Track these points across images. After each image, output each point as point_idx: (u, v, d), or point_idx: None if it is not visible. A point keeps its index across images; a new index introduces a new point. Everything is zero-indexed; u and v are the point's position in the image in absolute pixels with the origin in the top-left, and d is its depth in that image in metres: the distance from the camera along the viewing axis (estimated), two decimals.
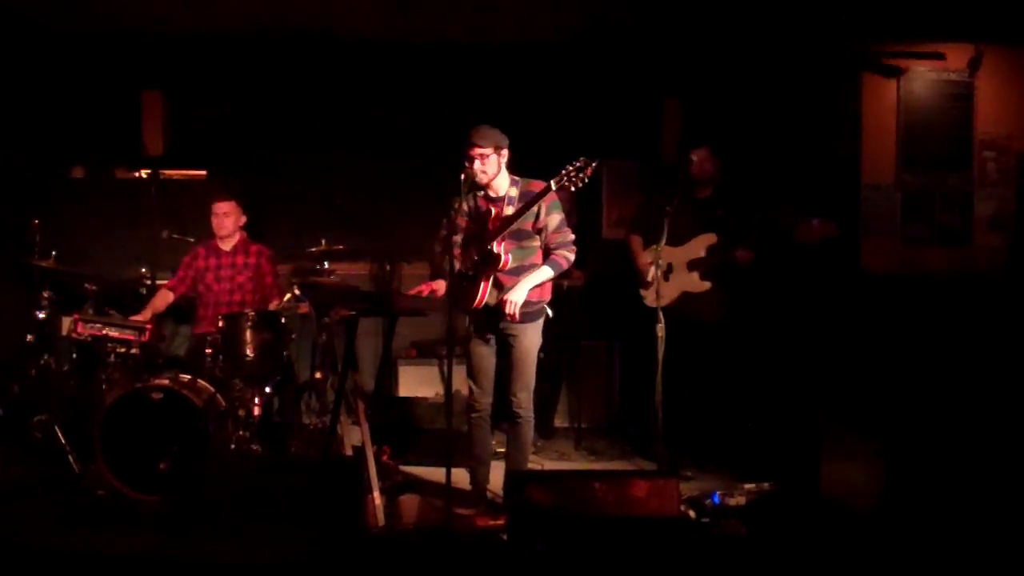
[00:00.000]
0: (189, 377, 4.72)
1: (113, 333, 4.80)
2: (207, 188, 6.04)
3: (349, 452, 4.71)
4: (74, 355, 5.13)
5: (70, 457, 4.63)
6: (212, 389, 4.74)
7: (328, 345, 5.51)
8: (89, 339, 4.78)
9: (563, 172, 4.03)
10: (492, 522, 4.09)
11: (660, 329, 4.60)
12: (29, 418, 4.98)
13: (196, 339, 5.27)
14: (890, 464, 3.89)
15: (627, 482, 3.70)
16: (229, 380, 4.85)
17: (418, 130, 6.63)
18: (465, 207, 4.35)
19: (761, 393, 5.62)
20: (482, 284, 4.17)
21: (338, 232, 5.70)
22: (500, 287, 4.19)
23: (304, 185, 6.52)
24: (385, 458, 4.91)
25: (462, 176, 4.14)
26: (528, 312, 4.19)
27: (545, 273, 4.21)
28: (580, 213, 5.68)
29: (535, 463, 5.00)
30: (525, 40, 6.29)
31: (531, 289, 4.17)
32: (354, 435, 4.67)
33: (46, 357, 5.20)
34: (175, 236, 5.73)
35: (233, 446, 4.66)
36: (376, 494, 4.13)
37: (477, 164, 4.16)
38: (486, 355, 4.35)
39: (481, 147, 4.15)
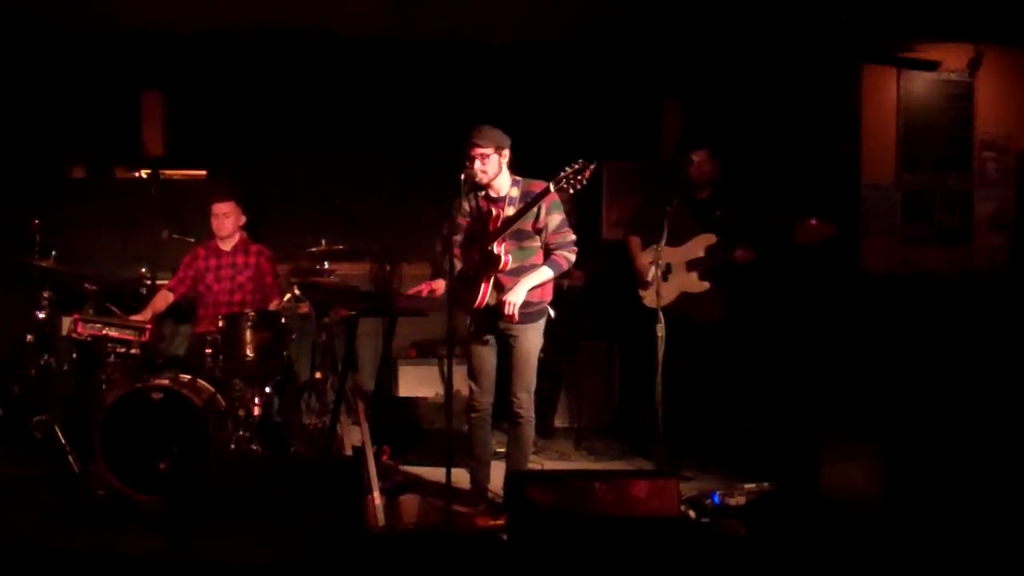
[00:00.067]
0: (189, 377, 4.72)
1: (113, 333, 4.81)
2: (207, 188, 6.05)
3: (349, 452, 4.71)
4: (74, 355, 5.14)
5: (70, 457, 4.63)
6: (212, 389, 4.74)
7: (328, 345, 5.51)
8: (89, 339, 4.79)
9: (561, 174, 4.02)
10: (492, 522, 4.09)
11: (660, 329, 4.60)
12: (29, 418, 4.98)
13: (196, 339, 5.26)
14: (890, 464, 3.89)
15: (627, 482, 3.70)
16: (229, 380, 4.86)
17: (418, 130, 6.63)
18: (467, 207, 4.35)
19: (761, 393, 5.62)
20: (483, 285, 4.17)
21: (338, 232, 5.70)
22: (500, 288, 4.19)
23: (304, 185, 6.53)
24: (385, 458, 4.91)
25: (462, 176, 4.14)
26: (528, 313, 4.19)
27: (545, 274, 4.21)
28: (580, 213, 5.68)
29: (535, 463, 5.00)
30: (525, 40, 6.29)
31: (531, 290, 4.17)
32: (354, 435, 4.67)
33: (46, 357, 5.21)
34: (175, 236, 5.74)
35: (233, 446, 4.66)
36: (376, 494, 4.13)
37: (477, 164, 4.16)
38: (486, 355, 4.35)
39: (481, 147, 4.15)
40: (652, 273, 4.86)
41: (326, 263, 5.56)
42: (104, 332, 4.79)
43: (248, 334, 4.80)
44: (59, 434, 4.69)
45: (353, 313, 4.37)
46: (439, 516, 4.05)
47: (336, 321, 5.26)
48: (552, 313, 4.36)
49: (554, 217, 4.22)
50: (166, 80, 6.67)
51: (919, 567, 3.63)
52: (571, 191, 4.05)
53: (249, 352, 4.79)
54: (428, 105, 6.65)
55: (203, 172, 6.46)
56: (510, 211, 4.19)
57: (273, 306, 5.20)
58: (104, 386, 4.79)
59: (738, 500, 4.32)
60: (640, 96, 6.78)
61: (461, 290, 4.21)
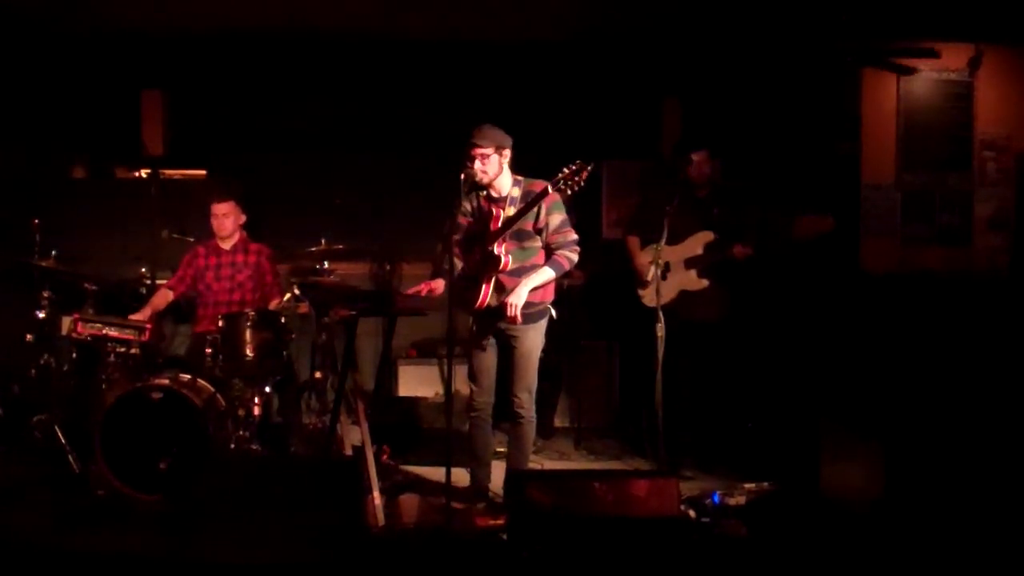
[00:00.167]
0: (189, 377, 4.72)
1: (113, 333, 4.81)
2: (207, 188, 6.04)
3: (349, 452, 4.71)
4: (74, 355, 5.13)
5: (70, 457, 4.63)
6: (212, 389, 4.74)
7: (328, 345, 5.51)
8: (89, 339, 4.79)
9: (560, 175, 4.02)
10: (492, 522, 4.08)
11: (660, 329, 4.59)
12: (29, 418, 4.97)
13: (196, 338, 5.27)
14: (890, 464, 3.89)
15: (627, 482, 3.70)
16: (229, 380, 4.86)
17: (418, 130, 6.63)
18: (468, 207, 4.35)
19: (761, 393, 5.62)
20: (483, 285, 4.17)
21: (338, 232, 5.70)
22: (501, 288, 4.19)
23: (304, 185, 6.53)
24: (385, 458, 4.92)
25: (462, 176, 4.13)
26: (529, 313, 4.18)
27: (546, 274, 4.20)
28: (580, 213, 5.68)
29: (535, 463, 5.00)
30: (525, 40, 6.29)
31: (533, 290, 4.16)
32: (354, 435, 4.68)
33: (46, 357, 5.20)
34: (175, 236, 5.73)
35: (233, 446, 4.66)
36: (376, 494, 4.13)
37: (478, 164, 4.15)
38: (487, 355, 4.35)
39: (481, 147, 4.15)
40: (651, 273, 4.86)
41: (326, 263, 5.56)
42: (104, 332, 4.79)
43: (248, 334, 4.80)
44: (59, 434, 4.69)
45: (353, 313, 4.37)
46: (439, 516, 4.04)
47: (336, 321, 5.26)
48: (554, 313, 4.35)
49: (555, 217, 4.21)
50: (166, 80, 6.67)
51: (919, 567, 3.63)
52: (569, 192, 4.04)
53: (249, 352, 4.79)
54: (428, 105, 6.65)
55: (203, 172, 6.46)
56: (511, 211, 4.18)
57: (273, 305, 5.20)
58: (104, 386, 4.79)
59: (738, 500, 4.32)
60: (640, 96, 6.78)
61: (462, 290, 4.21)
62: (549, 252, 4.26)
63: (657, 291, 4.72)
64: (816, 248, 5.02)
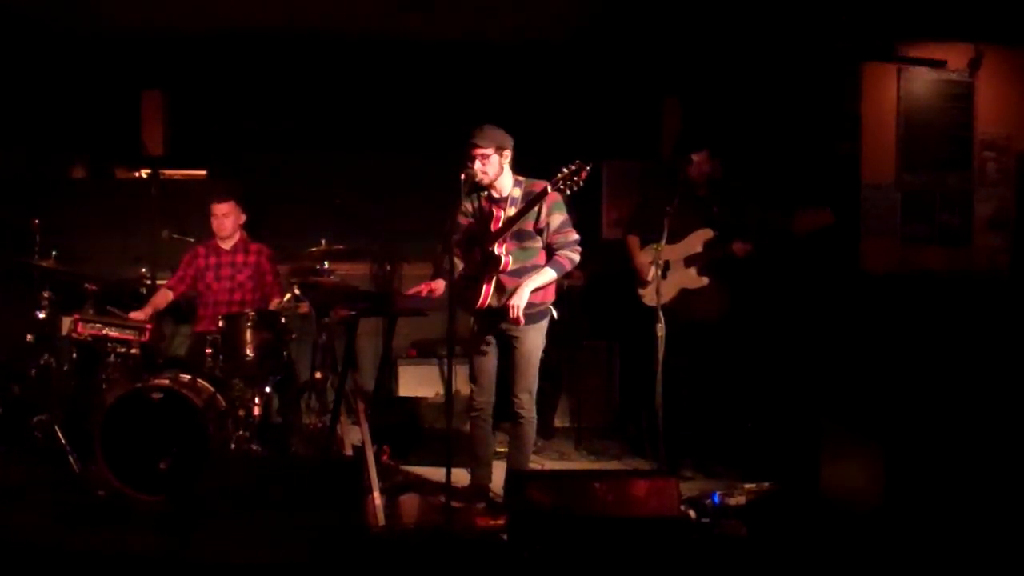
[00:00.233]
0: (189, 377, 4.72)
1: (113, 333, 4.81)
2: (207, 188, 6.05)
3: (349, 452, 4.71)
4: (74, 355, 5.13)
5: (70, 457, 4.63)
6: (212, 389, 4.74)
7: (328, 345, 5.51)
8: (89, 339, 4.79)
9: (559, 175, 4.01)
10: (492, 522, 4.08)
11: (660, 329, 4.59)
12: (29, 418, 4.97)
13: (196, 338, 5.27)
14: (890, 464, 3.89)
15: (627, 482, 3.70)
16: (229, 380, 4.86)
17: (418, 130, 6.63)
18: (469, 207, 4.35)
19: (761, 393, 5.62)
20: (484, 286, 4.16)
21: (338, 232, 5.70)
22: (502, 288, 4.19)
23: (304, 185, 6.53)
24: (385, 458, 4.92)
25: (462, 176, 4.13)
26: (530, 314, 4.18)
27: (548, 275, 4.20)
28: (580, 213, 5.68)
29: (535, 463, 5.00)
30: (525, 40, 6.29)
31: (533, 291, 4.16)
32: (354, 435, 4.67)
33: (46, 357, 5.20)
34: (175, 236, 5.74)
35: (233, 446, 4.66)
36: (376, 494, 4.13)
37: (478, 164, 4.15)
38: (488, 355, 4.35)
39: (482, 147, 4.14)
40: (652, 272, 4.86)
41: (326, 263, 5.56)
42: (104, 332, 4.79)
43: (248, 334, 4.80)
44: (59, 434, 4.69)
45: (353, 313, 4.37)
46: (439, 516, 4.04)
47: (336, 321, 5.26)
48: (555, 314, 4.35)
49: (555, 217, 4.21)
50: (166, 80, 6.67)
51: (919, 567, 3.63)
52: (568, 192, 4.04)
53: (249, 352, 4.79)
54: (428, 105, 6.66)
55: (203, 172, 6.46)
56: (512, 212, 4.18)
57: (273, 305, 5.20)
58: (104, 386, 4.80)
59: (738, 500, 4.32)
60: (640, 96, 6.78)
61: (463, 290, 4.21)
62: (550, 252, 4.25)
63: (657, 291, 4.72)
64: (816, 245, 5.02)
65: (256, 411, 4.83)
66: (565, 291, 5.38)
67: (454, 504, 3.93)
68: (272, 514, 3.73)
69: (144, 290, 5.66)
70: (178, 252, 5.56)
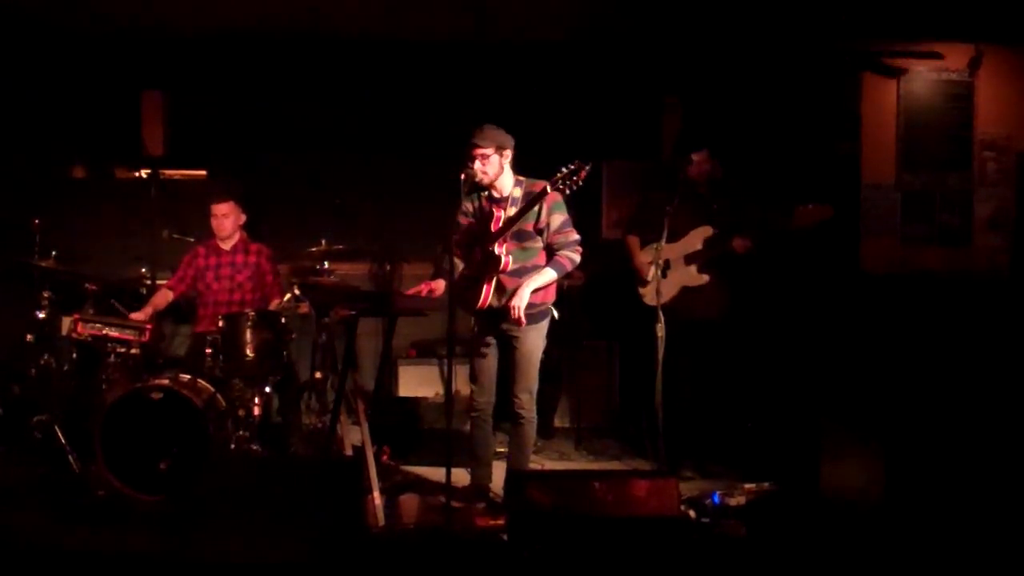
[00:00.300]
0: (189, 377, 4.72)
1: (113, 333, 4.81)
2: (207, 188, 6.05)
3: (349, 452, 4.70)
4: (74, 355, 5.14)
5: (70, 457, 4.63)
6: (212, 389, 4.74)
7: (328, 345, 5.51)
8: (89, 339, 4.79)
9: (558, 175, 4.01)
10: (492, 522, 4.09)
11: (660, 329, 4.59)
12: (29, 418, 4.97)
13: (196, 338, 5.27)
14: (890, 464, 3.89)
15: (627, 482, 3.70)
16: (229, 380, 4.86)
17: (418, 130, 6.62)
18: (470, 207, 4.35)
19: (761, 393, 5.62)
20: (484, 286, 4.16)
21: (338, 232, 5.70)
22: (502, 289, 4.18)
23: (304, 185, 6.52)
24: (385, 458, 4.92)
25: (462, 176, 4.13)
26: (531, 314, 4.18)
27: (548, 275, 4.19)
28: (580, 213, 5.68)
29: (535, 463, 5.00)
30: (525, 40, 6.29)
31: (534, 291, 4.15)
32: (354, 435, 4.67)
33: (46, 357, 5.20)
34: (175, 236, 5.74)
35: (233, 446, 4.66)
36: (376, 494, 4.13)
37: (478, 164, 4.15)
38: (488, 355, 4.35)
39: (482, 147, 4.14)
40: (653, 272, 4.86)
41: (326, 263, 5.56)
42: (104, 332, 4.79)
43: (248, 334, 4.80)
44: (59, 434, 4.69)
45: (353, 313, 4.37)
46: (439, 516, 4.05)
47: (336, 321, 5.26)
48: (556, 314, 4.35)
49: (556, 217, 4.21)
50: (166, 80, 6.67)
51: (919, 567, 3.63)
52: (567, 191, 4.04)
53: (249, 352, 4.79)
54: (428, 105, 6.65)
55: (203, 172, 6.46)
56: (512, 212, 4.18)
57: (273, 305, 5.20)
58: (104, 386, 4.80)
59: (738, 500, 4.32)
60: (640, 96, 6.78)
61: (464, 290, 4.21)
62: (550, 253, 4.25)
63: (657, 291, 4.72)
64: (816, 241, 5.01)
65: (256, 411, 4.83)
66: (565, 291, 5.39)
67: (454, 504, 3.93)
68: (272, 514, 3.73)
69: (144, 290, 5.66)
70: (178, 252, 5.56)
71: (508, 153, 4.21)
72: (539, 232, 4.22)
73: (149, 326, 4.91)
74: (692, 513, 4.18)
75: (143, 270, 5.79)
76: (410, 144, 6.60)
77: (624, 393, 6.27)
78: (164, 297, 5.31)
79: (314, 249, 5.56)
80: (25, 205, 5.56)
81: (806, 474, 4.44)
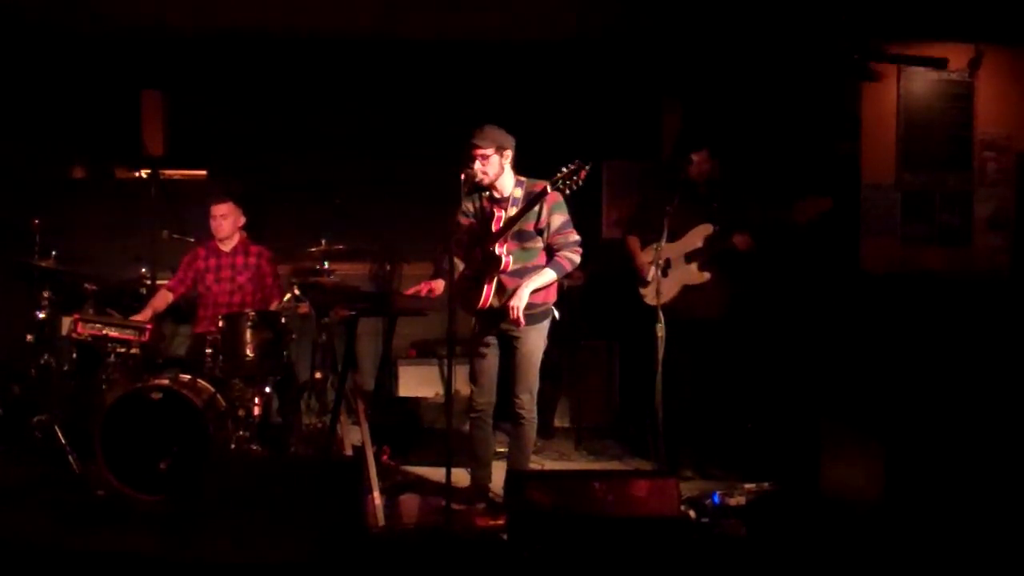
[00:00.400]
0: (189, 377, 4.73)
1: (113, 333, 4.81)
2: (207, 188, 6.05)
3: (349, 452, 4.71)
4: (74, 355, 5.14)
5: (70, 457, 4.63)
6: (212, 389, 4.74)
7: (328, 345, 5.51)
8: (89, 339, 4.79)
9: (558, 175, 4.01)
10: (492, 522, 4.09)
11: (660, 329, 4.60)
12: (29, 418, 4.98)
13: (196, 339, 5.27)
14: (890, 463, 3.89)
15: (627, 482, 3.70)
16: (229, 380, 4.86)
17: (418, 130, 6.63)
18: (470, 207, 4.35)
19: (761, 392, 5.62)
20: (485, 286, 4.16)
21: (338, 232, 5.70)
22: (503, 289, 4.18)
23: (304, 185, 6.52)
24: (385, 458, 4.92)
25: (462, 176, 4.12)
26: (532, 314, 4.18)
27: (548, 276, 4.19)
28: (580, 213, 5.69)
29: (535, 463, 5.00)
30: (525, 40, 6.29)
31: (534, 291, 4.15)
32: (354, 435, 4.68)
33: (46, 357, 5.21)
34: (175, 236, 5.74)
35: (233, 446, 4.66)
36: (376, 494, 4.13)
37: (478, 164, 4.15)
38: (488, 356, 4.35)
39: (482, 147, 4.14)
40: (653, 273, 4.86)
41: (326, 263, 5.56)
42: (104, 332, 4.79)
43: (248, 334, 4.80)
44: (59, 434, 4.69)
45: (353, 313, 4.37)
46: (439, 516, 4.05)
47: (336, 321, 5.26)
48: (557, 315, 4.35)
49: (556, 217, 4.21)
50: (166, 80, 6.67)
51: (919, 566, 3.63)
52: (567, 191, 4.04)
53: (249, 352, 4.79)
54: (428, 105, 6.65)
55: (203, 172, 6.46)
56: (513, 212, 4.18)
57: (273, 307, 5.20)
58: (104, 386, 4.80)
59: (738, 500, 4.32)
60: (640, 96, 6.78)
61: (465, 291, 4.21)
62: (550, 253, 4.25)
63: (658, 291, 4.72)
64: (816, 236, 5.00)
65: (256, 411, 4.83)
66: (565, 291, 5.38)
67: (454, 507, 3.93)
68: (272, 514, 3.72)
69: (144, 290, 5.66)
70: (178, 252, 5.56)
71: (508, 153, 4.21)
72: (539, 232, 4.22)
73: (149, 326, 4.91)
74: (692, 513, 4.18)
75: (143, 270, 5.79)
76: (410, 144, 6.61)
77: (624, 393, 6.27)
78: (164, 299, 5.31)
79: (314, 249, 5.56)
80: (25, 205, 5.56)
81: (806, 474, 4.44)
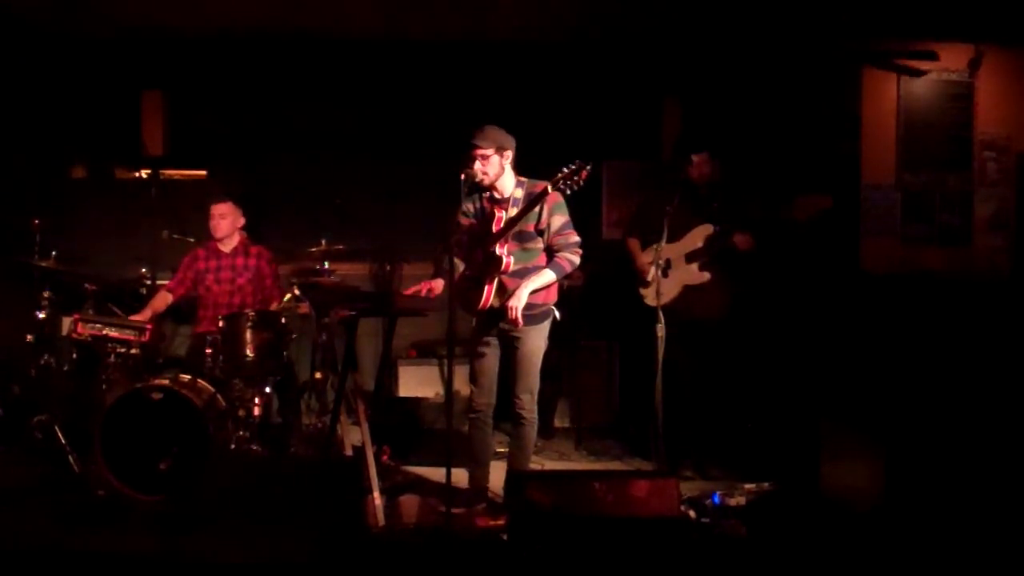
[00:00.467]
0: (189, 377, 4.72)
1: (113, 333, 4.81)
2: (207, 188, 6.05)
3: (349, 452, 4.71)
4: (74, 355, 5.13)
5: (70, 457, 4.63)
6: (212, 389, 4.74)
7: (328, 345, 5.51)
8: (89, 339, 4.79)
9: (559, 175, 4.01)
10: (492, 522, 4.08)
11: (660, 329, 4.60)
12: (29, 418, 4.97)
13: (196, 339, 5.26)
14: (890, 463, 3.89)
15: (627, 482, 3.70)
16: (229, 380, 4.86)
17: (418, 130, 6.63)
18: (471, 208, 4.34)
19: (761, 393, 5.62)
20: (486, 286, 4.16)
21: (338, 232, 5.70)
22: (504, 289, 4.18)
23: (304, 185, 6.53)
24: (385, 458, 4.92)
25: (462, 176, 4.12)
26: (532, 315, 4.18)
27: (547, 276, 4.19)
28: (580, 213, 5.69)
29: (535, 463, 4.99)
30: (525, 40, 6.29)
31: (535, 292, 4.16)
32: (354, 435, 4.67)
33: (46, 357, 5.20)
34: (175, 236, 5.74)
35: (233, 446, 4.66)
36: (376, 494, 4.13)
37: (478, 164, 4.14)
38: (489, 356, 4.34)
39: (482, 148, 4.14)
40: (653, 273, 4.86)
41: (326, 263, 5.56)
42: (104, 332, 4.79)
43: (248, 334, 4.80)
44: (59, 434, 4.69)
45: (353, 313, 4.36)
46: (439, 516, 4.04)
47: (336, 321, 5.26)
48: (557, 315, 4.35)
49: (557, 218, 4.20)
50: (166, 80, 6.67)
51: (919, 567, 3.63)
52: (568, 192, 4.03)
53: (249, 352, 4.79)
54: (428, 105, 6.65)
55: (203, 172, 6.46)
56: (513, 212, 4.17)
57: (273, 307, 5.20)
58: (104, 386, 4.79)
59: (738, 500, 4.32)
60: (640, 96, 6.78)
61: (465, 291, 4.21)
62: (550, 254, 4.25)
63: (658, 292, 4.72)
64: (816, 235, 5.00)
65: (256, 411, 4.83)
66: (565, 291, 5.38)
67: (454, 511, 3.93)
68: (272, 514, 3.73)
69: (144, 290, 5.67)
70: (178, 252, 5.56)
71: (509, 154, 4.20)
72: (540, 233, 4.22)
73: (149, 326, 4.91)
74: (692, 513, 4.18)
75: (143, 270, 5.79)
76: (410, 144, 6.61)
77: (624, 393, 6.27)
78: (163, 299, 5.31)
79: (314, 249, 5.56)
80: (25, 205, 5.56)
81: (806, 474, 4.44)
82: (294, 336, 5.10)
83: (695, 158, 5.07)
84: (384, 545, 3.91)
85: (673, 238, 4.97)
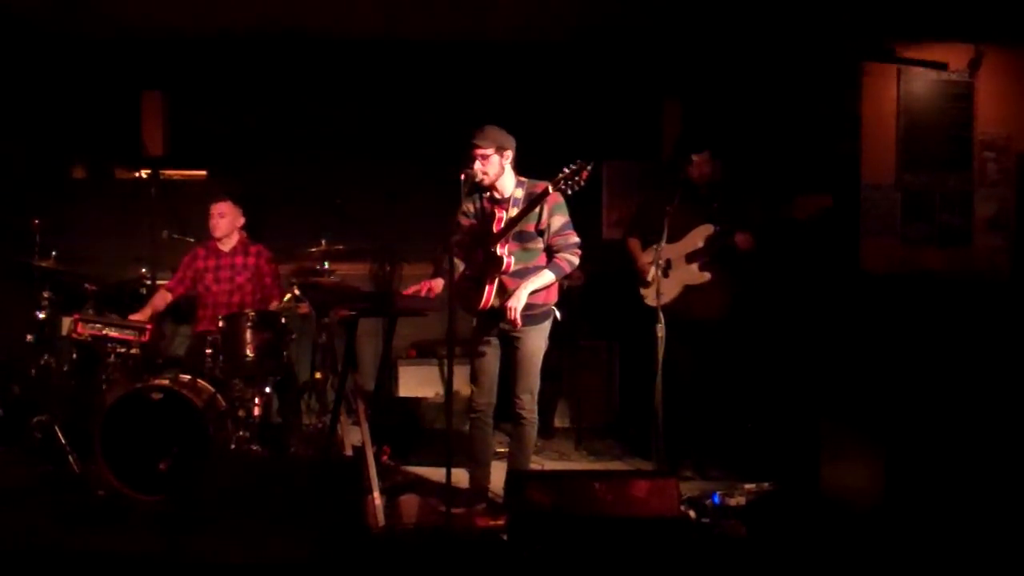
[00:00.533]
0: (189, 377, 4.72)
1: (113, 333, 4.81)
2: (207, 188, 6.05)
3: (349, 452, 4.70)
4: (74, 355, 5.13)
5: (70, 457, 4.63)
6: (212, 389, 4.74)
7: (328, 345, 5.51)
8: (89, 339, 4.79)
9: (560, 175, 4.01)
10: (492, 522, 4.08)
11: (660, 329, 4.60)
12: (29, 418, 4.97)
13: (196, 339, 5.27)
14: (890, 464, 3.89)
15: (627, 482, 3.70)
16: (229, 380, 4.86)
17: (418, 130, 6.63)
18: (471, 208, 4.34)
19: (761, 392, 5.62)
20: (487, 286, 4.16)
21: (338, 232, 5.70)
22: (504, 289, 4.18)
23: (304, 185, 6.53)
24: (385, 458, 4.92)
25: (462, 176, 4.12)
26: (532, 315, 4.18)
27: (547, 277, 4.19)
28: (580, 214, 5.69)
29: (535, 463, 4.99)
30: (525, 40, 6.30)
31: (535, 292, 4.16)
32: (354, 435, 4.67)
33: (46, 357, 5.21)
34: (175, 236, 5.74)
35: (233, 446, 4.66)
36: (376, 494, 4.13)
37: (478, 164, 4.14)
38: (489, 356, 4.34)
39: (482, 147, 4.14)
40: (653, 273, 4.86)
41: (326, 263, 5.56)
42: (104, 332, 4.79)
43: (248, 334, 4.80)
44: (59, 434, 4.69)
45: (353, 313, 4.36)
46: (439, 516, 4.04)
47: (336, 321, 5.26)
48: (558, 315, 4.35)
49: (557, 219, 4.20)
50: (166, 80, 6.67)
51: (919, 567, 3.63)
52: (569, 192, 4.03)
53: (249, 352, 4.80)
54: (428, 105, 6.65)
55: (203, 172, 6.47)
56: (514, 212, 4.17)
57: (273, 307, 5.20)
58: (104, 386, 4.80)
59: (738, 500, 4.32)
60: (640, 96, 6.78)
61: (466, 291, 4.21)
62: (550, 254, 4.25)
63: (658, 292, 4.72)
64: (817, 235, 5.00)
65: (256, 411, 4.84)
66: (565, 291, 5.38)
67: (454, 512, 3.93)
68: (272, 514, 3.73)
69: (144, 290, 5.67)
70: (178, 252, 5.56)
71: (509, 154, 4.20)
72: (540, 233, 4.22)
73: (149, 326, 4.91)
74: (692, 513, 4.18)
75: (143, 270, 5.79)
76: (410, 144, 6.61)
77: (624, 393, 6.27)
78: (163, 299, 5.31)
79: (314, 249, 5.56)
80: (25, 205, 5.56)
81: (806, 474, 4.44)
82: (294, 336, 5.10)
83: (695, 158, 5.08)
84: (384, 545, 3.91)
85: (673, 238, 4.97)
